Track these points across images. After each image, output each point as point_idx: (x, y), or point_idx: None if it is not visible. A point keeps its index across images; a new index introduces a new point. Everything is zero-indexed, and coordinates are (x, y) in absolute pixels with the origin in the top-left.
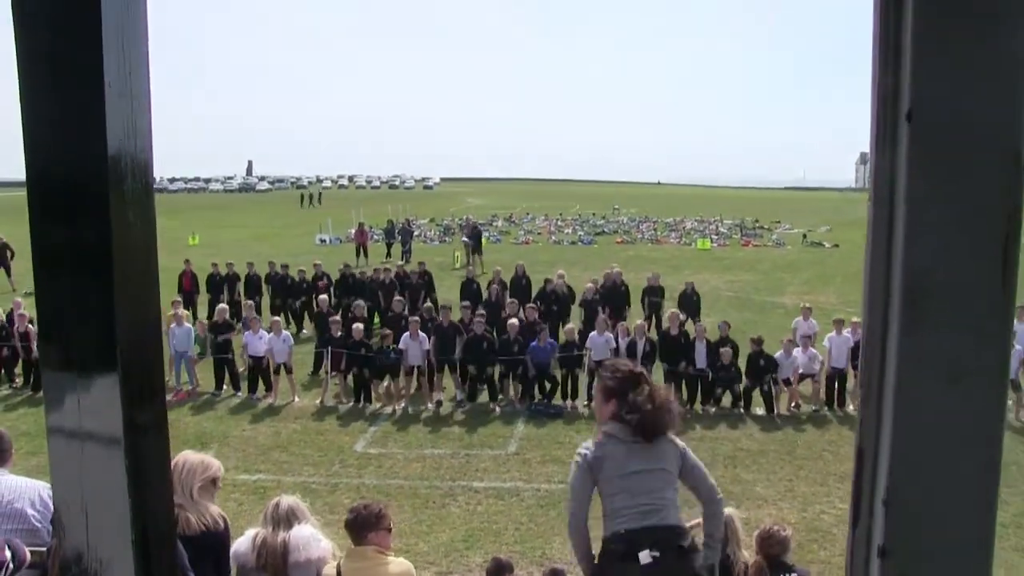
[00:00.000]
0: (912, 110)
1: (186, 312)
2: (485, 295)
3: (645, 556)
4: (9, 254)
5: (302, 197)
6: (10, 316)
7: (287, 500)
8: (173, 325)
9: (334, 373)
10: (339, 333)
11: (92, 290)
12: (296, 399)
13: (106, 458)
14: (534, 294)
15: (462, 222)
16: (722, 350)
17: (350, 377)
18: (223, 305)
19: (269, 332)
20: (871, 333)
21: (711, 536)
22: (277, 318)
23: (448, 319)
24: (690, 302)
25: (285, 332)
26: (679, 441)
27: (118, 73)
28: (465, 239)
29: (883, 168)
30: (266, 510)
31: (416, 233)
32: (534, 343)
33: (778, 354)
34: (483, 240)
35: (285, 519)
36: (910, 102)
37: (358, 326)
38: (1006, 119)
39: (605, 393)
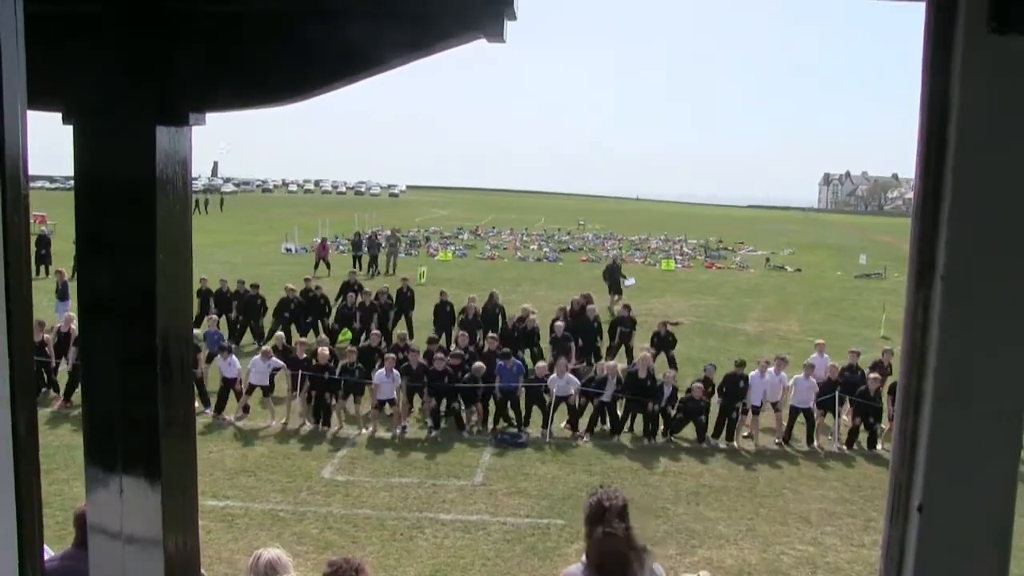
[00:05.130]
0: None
1: None
2: (456, 326)
3: None
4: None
5: (196, 203)
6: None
7: (268, 554)
8: None
9: (295, 394)
10: (304, 355)
11: (140, 396)
12: (272, 422)
13: (145, 560)
14: (502, 325)
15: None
16: (695, 384)
17: (310, 399)
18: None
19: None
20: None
21: None
22: (266, 347)
23: (417, 360)
24: (664, 343)
25: (274, 358)
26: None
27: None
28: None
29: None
30: (248, 563)
31: (382, 245)
32: (501, 363)
33: (753, 373)
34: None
35: (265, 574)
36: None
37: (323, 350)
38: None
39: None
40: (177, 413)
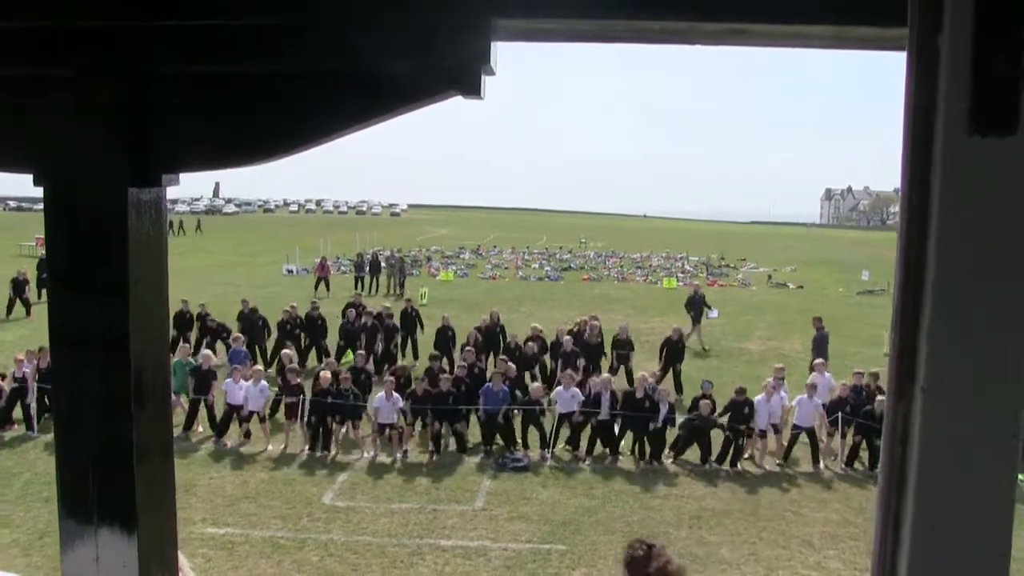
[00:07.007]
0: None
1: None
2: (462, 347)
3: None
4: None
5: (171, 224)
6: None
7: None
8: None
9: (294, 420)
10: (297, 380)
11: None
12: (270, 447)
13: None
14: (504, 349)
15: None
16: (702, 402)
17: (308, 424)
18: (208, 351)
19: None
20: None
21: None
22: (259, 367)
23: (422, 387)
24: (676, 349)
25: (264, 382)
26: None
27: None
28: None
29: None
30: None
31: (383, 265)
32: (488, 385)
33: (759, 398)
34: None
35: None
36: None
37: (325, 373)
38: None
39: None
40: (152, 453)
